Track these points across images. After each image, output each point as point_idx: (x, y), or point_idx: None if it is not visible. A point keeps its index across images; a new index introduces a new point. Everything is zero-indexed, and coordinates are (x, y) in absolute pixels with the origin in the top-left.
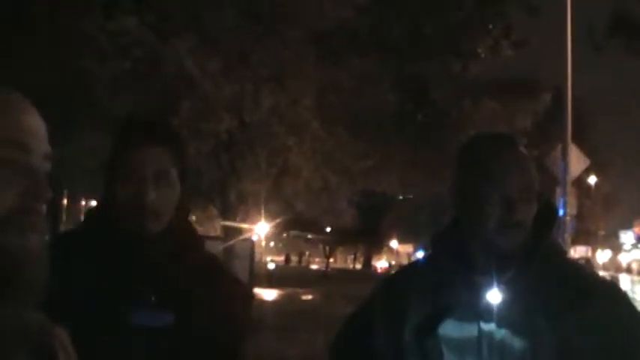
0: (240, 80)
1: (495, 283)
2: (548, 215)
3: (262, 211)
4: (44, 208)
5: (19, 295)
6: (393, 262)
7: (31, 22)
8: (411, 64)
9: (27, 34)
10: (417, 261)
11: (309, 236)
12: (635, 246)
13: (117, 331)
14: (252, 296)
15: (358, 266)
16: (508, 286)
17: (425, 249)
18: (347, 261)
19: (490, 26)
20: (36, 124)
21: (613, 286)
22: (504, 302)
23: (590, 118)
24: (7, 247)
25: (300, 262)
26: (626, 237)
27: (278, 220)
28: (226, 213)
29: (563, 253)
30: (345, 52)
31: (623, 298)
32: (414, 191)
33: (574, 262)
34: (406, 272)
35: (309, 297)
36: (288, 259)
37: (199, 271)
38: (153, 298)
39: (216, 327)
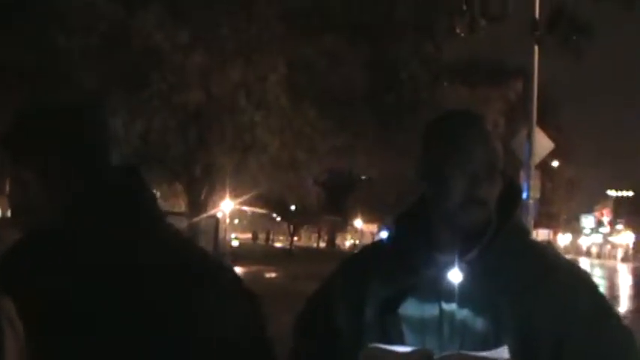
0: (208, 53)
1: (457, 263)
2: (512, 195)
3: (227, 188)
4: None
5: None
6: (357, 242)
7: None
8: (383, 45)
9: None
10: (380, 240)
11: (274, 214)
12: (594, 230)
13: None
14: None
15: (322, 245)
16: (471, 265)
17: (389, 229)
18: (311, 239)
19: (464, 6)
20: None
21: (574, 266)
22: (466, 282)
23: (556, 103)
24: None
25: (267, 240)
26: (587, 221)
27: (243, 198)
28: (192, 188)
29: (527, 233)
30: (316, 29)
31: (583, 278)
32: (380, 171)
33: (537, 243)
34: (368, 251)
35: (274, 275)
36: (255, 237)
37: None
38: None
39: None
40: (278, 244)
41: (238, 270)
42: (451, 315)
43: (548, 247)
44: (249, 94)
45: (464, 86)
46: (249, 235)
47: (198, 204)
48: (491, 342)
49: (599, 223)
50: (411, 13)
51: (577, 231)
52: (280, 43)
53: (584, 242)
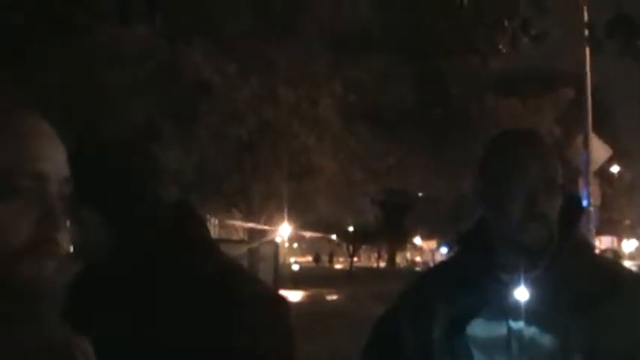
0: (258, 81)
1: (523, 281)
2: (573, 208)
3: (285, 212)
4: (63, 234)
5: (40, 317)
6: (419, 259)
7: (49, 25)
8: (429, 61)
9: (42, 40)
10: (444, 261)
11: (333, 236)
12: None
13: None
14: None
15: (382, 264)
16: (536, 283)
17: (449, 245)
18: (371, 259)
19: (505, 22)
20: (53, 148)
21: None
22: (532, 299)
23: (611, 106)
24: (23, 278)
25: (330, 261)
26: None
27: (301, 222)
28: (250, 215)
29: (591, 247)
30: (362, 51)
31: None
32: (435, 188)
33: (601, 256)
34: (434, 273)
35: (335, 297)
36: (317, 259)
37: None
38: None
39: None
40: (338, 266)
41: (300, 293)
42: (519, 333)
43: (614, 260)
44: (302, 119)
45: (515, 97)
46: (309, 259)
47: (257, 231)
48: (560, 359)
49: None
50: (455, 30)
51: None
52: (328, 65)
53: None
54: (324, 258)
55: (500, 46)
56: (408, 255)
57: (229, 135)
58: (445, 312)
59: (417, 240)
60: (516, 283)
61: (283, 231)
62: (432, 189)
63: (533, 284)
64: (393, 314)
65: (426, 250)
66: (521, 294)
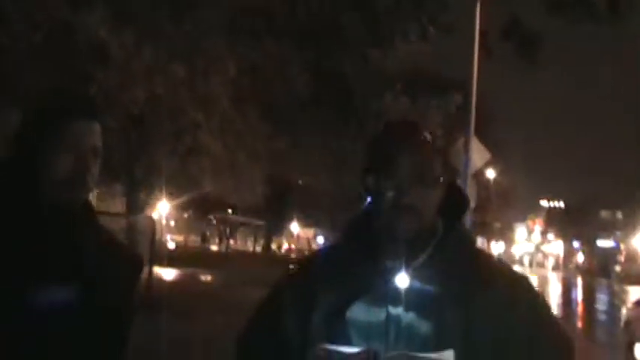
0: (154, 53)
1: (404, 268)
2: (458, 203)
3: (164, 190)
4: None
5: None
6: (293, 246)
7: None
8: (329, 51)
9: None
10: (327, 247)
11: (210, 216)
12: (527, 239)
13: (10, 310)
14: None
15: (258, 249)
16: (417, 271)
17: (327, 235)
18: (247, 243)
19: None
20: None
21: (517, 274)
22: (413, 287)
23: (494, 115)
24: None
25: (206, 241)
26: (520, 230)
27: (180, 200)
28: (131, 190)
29: (473, 240)
30: (261, 34)
31: (525, 287)
32: (318, 177)
33: (482, 250)
34: (315, 259)
35: (209, 278)
36: (204, 239)
37: (101, 247)
38: (57, 276)
39: (116, 307)
40: (214, 247)
41: (174, 271)
42: (397, 319)
43: (493, 255)
44: (192, 96)
45: (406, 97)
46: (186, 238)
47: (136, 206)
48: (435, 345)
49: (532, 233)
50: (357, 20)
51: (510, 240)
52: (226, 45)
53: (516, 251)
54: (196, 238)
55: (411, 37)
56: (285, 241)
57: (120, 105)
58: (326, 296)
59: (295, 227)
60: (397, 271)
61: (162, 208)
62: (314, 179)
63: (415, 272)
64: (275, 297)
65: (303, 238)
66: (402, 281)
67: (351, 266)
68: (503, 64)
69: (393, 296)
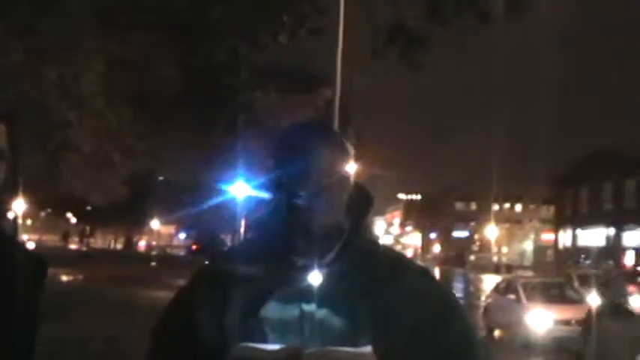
0: (21, 49)
1: (316, 265)
2: (363, 201)
3: (20, 188)
4: None
5: None
6: (154, 243)
7: None
8: (200, 45)
9: None
10: (240, 244)
11: (69, 215)
12: (386, 232)
13: None
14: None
15: (119, 246)
16: (329, 267)
17: (188, 231)
18: (107, 241)
19: (284, 17)
20: None
21: (421, 267)
22: (325, 283)
23: (359, 112)
24: None
25: (65, 240)
26: (380, 224)
27: (41, 198)
28: None
29: (375, 236)
30: (130, 27)
31: (431, 278)
32: (181, 173)
33: (387, 246)
34: (227, 257)
35: (71, 277)
36: (66, 237)
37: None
38: None
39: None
40: (73, 246)
41: None
42: (310, 315)
43: (398, 251)
44: (63, 93)
45: (275, 91)
46: (44, 237)
47: None
48: (349, 340)
49: (391, 226)
50: (230, 15)
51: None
52: (96, 40)
53: None
54: (75, 239)
55: (280, 39)
56: (145, 238)
57: None
58: (240, 294)
59: (155, 224)
60: (310, 268)
61: (17, 207)
62: (176, 175)
63: (326, 269)
64: (185, 297)
65: (164, 234)
66: (314, 278)
67: (264, 264)
68: (384, 63)
69: (307, 293)
